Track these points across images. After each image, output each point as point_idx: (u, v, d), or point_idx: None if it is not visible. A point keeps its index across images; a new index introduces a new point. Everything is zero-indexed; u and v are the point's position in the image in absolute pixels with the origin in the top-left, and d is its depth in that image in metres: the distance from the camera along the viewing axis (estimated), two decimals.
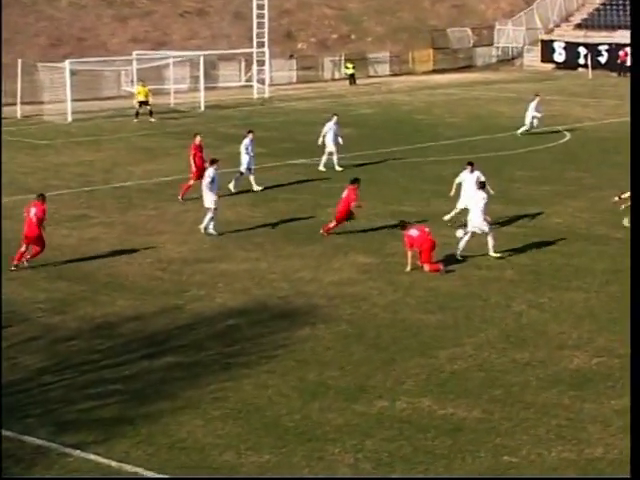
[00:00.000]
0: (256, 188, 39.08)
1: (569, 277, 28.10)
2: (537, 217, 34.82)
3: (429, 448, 17.89)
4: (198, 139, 38.76)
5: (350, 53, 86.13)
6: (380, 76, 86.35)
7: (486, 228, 29.20)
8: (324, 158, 43.23)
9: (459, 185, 32.97)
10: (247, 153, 38.90)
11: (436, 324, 24.42)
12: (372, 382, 20.82)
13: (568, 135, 53.70)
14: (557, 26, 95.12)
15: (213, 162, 33.36)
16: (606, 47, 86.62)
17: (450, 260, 29.31)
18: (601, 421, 18.93)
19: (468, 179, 32.25)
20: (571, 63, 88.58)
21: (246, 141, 39.17)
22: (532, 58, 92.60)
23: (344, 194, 31.86)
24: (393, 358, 22.16)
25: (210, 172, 32.85)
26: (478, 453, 17.67)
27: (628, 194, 27.71)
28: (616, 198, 32.68)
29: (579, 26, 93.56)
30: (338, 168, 42.86)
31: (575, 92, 74.61)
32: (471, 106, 67.41)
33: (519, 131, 52.48)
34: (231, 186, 38.45)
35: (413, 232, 28.40)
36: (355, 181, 32.04)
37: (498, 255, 29.36)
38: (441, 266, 28.54)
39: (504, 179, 40.75)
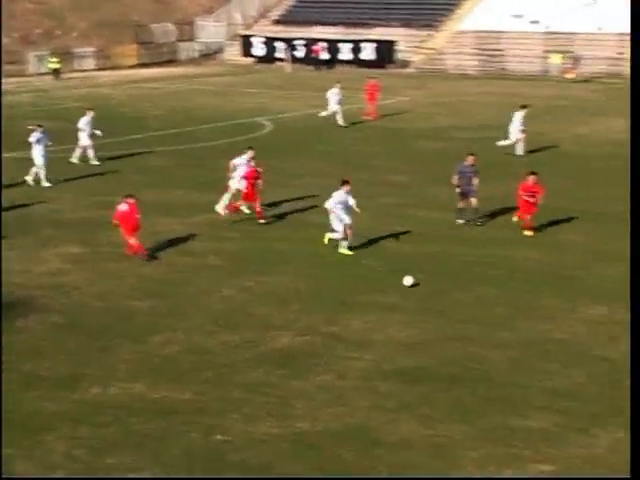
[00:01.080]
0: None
1: (273, 262, 28.50)
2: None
3: (143, 431, 17.83)
4: None
5: (56, 48, 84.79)
6: (85, 70, 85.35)
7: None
8: (77, 151, 43.20)
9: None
10: None
11: (148, 311, 24.34)
12: (86, 370, 20.57)
13: (269, 126, 54.43)
14: (256, 22, 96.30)
15: None
16: (303, 42, 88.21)
17: (157, 248, 29.29)
18: (306, 396, 19.33)
19: (342, 199, 29.34)
20: (270, 57, 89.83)
21: None
22: (233, 53, 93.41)
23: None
24: (106, 345, 21.96)
25: None
26: (190, 433, 17.74)
27: None
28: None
29: (277, 22, 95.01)
30: (95, 162, 42.71)
31: (274, 85, 75.74)
32: (175, 99, 67.41)
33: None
34: None
35: (123, 206, 28.16)
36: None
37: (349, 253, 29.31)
38: (141, 249, 28.23)
39: (208, 169, 41.07)
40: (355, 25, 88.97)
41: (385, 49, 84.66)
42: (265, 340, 22.36)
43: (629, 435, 12.22)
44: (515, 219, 31.80)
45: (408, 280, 25.18)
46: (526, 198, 31.18)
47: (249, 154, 33.19)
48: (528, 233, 31.17)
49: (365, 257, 28.80)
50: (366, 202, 34.63)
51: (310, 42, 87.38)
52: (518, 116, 45.58)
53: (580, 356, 21.50)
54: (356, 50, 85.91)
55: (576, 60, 76.15)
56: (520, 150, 45.13)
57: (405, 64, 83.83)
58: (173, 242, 30.07)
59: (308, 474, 16.34)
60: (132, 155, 45.07)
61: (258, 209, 32.47)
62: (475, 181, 32.16)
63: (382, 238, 30.71)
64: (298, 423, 18.22)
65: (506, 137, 45.51)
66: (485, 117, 57.32)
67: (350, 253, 28.94)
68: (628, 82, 65.92)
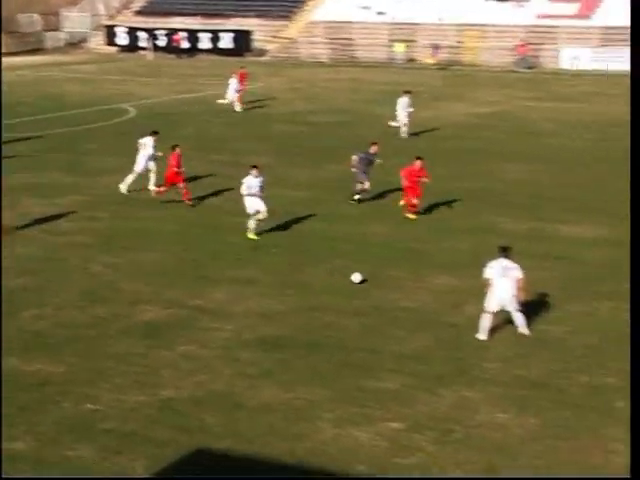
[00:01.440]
0: None
1: (141, 240, 28.27)
2: (108, 186, 34.68)
3: (18, 403, 17.57)
4: None
5: None
6: None
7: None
8: None
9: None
10: None
11: (19, 287, 23.92)
12: None
13: (133, 111, 53.85)
14: (119, 13, 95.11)
15: None
16: (164, 32, 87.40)
17: (28, 227, 28.82)
18: (172, 366, 19.27)
19: (254, 183, 28.43)
20: (133, 46, 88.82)
21: None
22: (98, 42, 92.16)
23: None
24: None
25: None
26: (63, 403, 17.56)
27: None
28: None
29: (139, 13, 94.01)
30: None
31: (138, 72, 74.89)
32: (43, 86, 66.18)
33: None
34: None
35: None
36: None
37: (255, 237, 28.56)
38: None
39: (78, 152, 40.57)
40: (213, 16, 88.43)
41: (242, 38, 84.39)
42: (133, 313, 22.21)
43: (629, 435, 12.23)
44: (402, 203, 31.03)
45: (357, 277, 24.24)
46: (411, 183, 30.45)
47: (153, 138, 33.57)
48: (412, 217, 30.58)
49: (227, 234, 28.75)
50: (227, 182, 34.61)
51: (171, 32, 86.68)
52: (402, 102, 45.85)
53: (427, 322, 21.85)
54: (215, 39, 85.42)
55: (436, 47, 76.88)
56: (404, 133, 45.33)
57: (261, 53, 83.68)
58: (43, 222, 29.60)
59: (174, 438, 16.32)
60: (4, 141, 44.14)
61: (184, 191, 32.06)
62: (370, 169, 32.33)
63: (242, 216, 30.67)
64: (164, 391, 18.16)
65: (395, 119, 45.74)
66: (338, 102, 57.64)
67: (256, 238, 28.16)
68: (467, 69, 66.69)
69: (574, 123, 49.58)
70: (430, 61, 76.34)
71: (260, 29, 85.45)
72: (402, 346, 20.46)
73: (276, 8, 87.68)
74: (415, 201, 30.61)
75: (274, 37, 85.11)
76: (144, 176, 33.46)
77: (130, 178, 33.37)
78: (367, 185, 32.20)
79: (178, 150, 32.05)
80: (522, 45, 74.17)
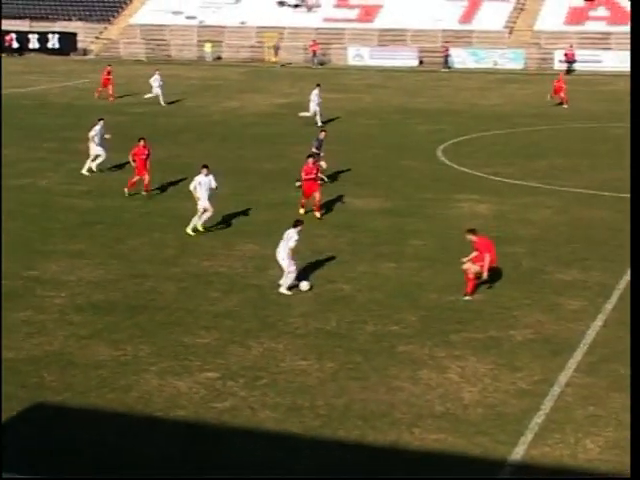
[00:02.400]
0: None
1: None
2: None
3: None
4: None
5: None
6: None
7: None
8: None
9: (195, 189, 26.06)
10: None
11: None
12: None
13: None
14: None
15: None
16: None
17: None
18: (12, 330, 18.64)
19: (204, 182, 25.73)
20: None
21: None
22: None
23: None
24: None
25: None
26: None
27: None
28: None
29: None
30: None
31: None
32: None
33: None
34: None
35: None
36: None
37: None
38: None
39: None
40: (40, 19, 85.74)
41: (68, 39, 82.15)
42: None
43: (630, 435, 12.21)
44: (301, 210, 27.61)
45: (304, 285, 21.24)
46: (307, 179, 27.80)
47: (100, 124, 33.31)
48: (318, 214, 27.53)
49: (58, 213, 27.98)
50: (56, 167, 33.75)
51: (3, 33, 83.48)
52: (314, 94, 45.03)
53: (237, 285, 21.84)
54: (43, 40, 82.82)
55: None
56: (319, 121, 44.35)
57: (86, 52, 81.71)
58: None
59: (16, 394, 15.84)
60: None
61: (146, 182, 29.88)
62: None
63: (71, 196, 30.00)
64: (6, 352, 17.58)
65: (307, 110, 44.86)
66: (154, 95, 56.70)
67: (192, 234, 25.72)
68: (267, 65, 66.44)
69: (359, 111, 50.27)
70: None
71: (84, 31, 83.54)
72: (215, 306, 20.41)
73: (97, 12, 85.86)
74: (316, 197, 27.63)
75: (97, 38, 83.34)
76: None
77: None
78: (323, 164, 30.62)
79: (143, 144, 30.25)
80: (314, 44, 74.67)
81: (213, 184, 25.71)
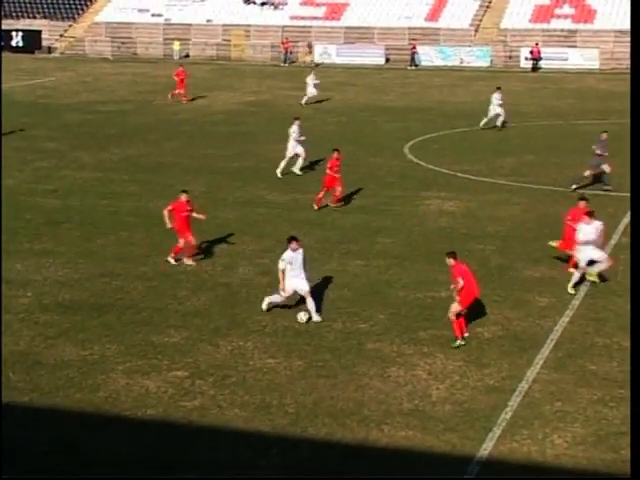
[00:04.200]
0: None
1: None
2: None
3: None
4: None
5: None
6: None
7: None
8: None
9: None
10: None
11: None
12: None
13: None
14: None
15: None
16: None
17: None
18: None
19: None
20: None
21: None
22: None
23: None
24: None
25: None
26: None
27: None
28: None
29: None
30: None
31: None
32: None
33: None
34: None
35: None
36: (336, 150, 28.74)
37: None
38: None
39: None
40: (4, 17, 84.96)
41: (32, 38, 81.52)
42: None
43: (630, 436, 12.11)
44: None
45: (302, 317, 19.42)
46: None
47: (296, 123, 33.01)
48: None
49: (24, 212, 27.79)
50: (22, 166, 33.51)
51: None
52: (494, 97, 43.64)
53: (204, 283, 21.78)
54: (7, 38, 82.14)
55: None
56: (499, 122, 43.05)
57: (51, 50, 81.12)
58: None
59: None
60: None
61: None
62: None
63: (37, 196, 29.80)
64: None
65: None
66: (121, 94, 56.45)
67: None
68: (234, 63, 66.31)
69: (328, 109, 50.27)
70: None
71: (48, 29, 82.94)
72: (184, 305, 20.34)
73: (62, 10, 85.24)
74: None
75: (61, 36, 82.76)
76: None
77: None
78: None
79: None
80: (286, 42, 74.52)
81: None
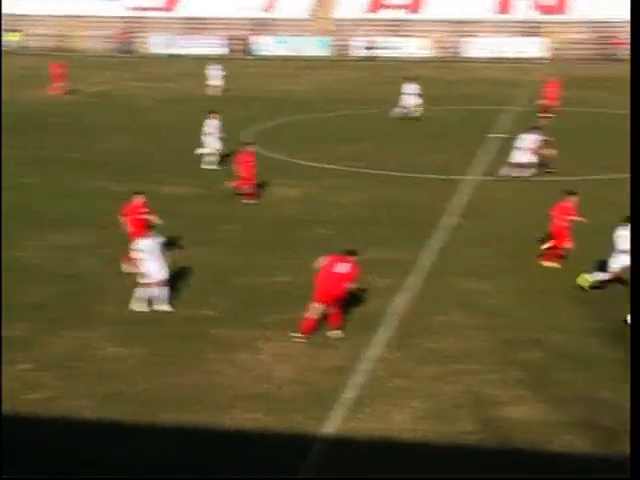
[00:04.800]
0: None
1: None
2: None
3: None
4: None
5: None
6: None
7: None
8: None
9: None
10: None
11: None
12: None
13: None
14: None
15: None
16: None
17: None
18: None
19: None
20: None
21: None
22: None
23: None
24: None
25: None
26: None
27: None
28: None
29: None
30: None
31: None
32: None
33: None
34: None
35: None
36: None
37: None
38: None
39: None
40: None
41: None
42: None
43: (630, 436, 11.88)
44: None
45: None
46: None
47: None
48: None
49: None
50: None
51: None
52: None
53: (50, 275, 21.34)
54: None
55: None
56: None
57: None
58: None
59: None
60: None
61: None
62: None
63: None
64: None
65: None
66: None
67: None
68: (73, 55, 64.91)
69: (168, 99, 49.81)
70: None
71: None
72: (28, 297, 19.90)
73: None
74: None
75: None
76: None
77: None
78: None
79: None
80: (124, 33, 73.38)
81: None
